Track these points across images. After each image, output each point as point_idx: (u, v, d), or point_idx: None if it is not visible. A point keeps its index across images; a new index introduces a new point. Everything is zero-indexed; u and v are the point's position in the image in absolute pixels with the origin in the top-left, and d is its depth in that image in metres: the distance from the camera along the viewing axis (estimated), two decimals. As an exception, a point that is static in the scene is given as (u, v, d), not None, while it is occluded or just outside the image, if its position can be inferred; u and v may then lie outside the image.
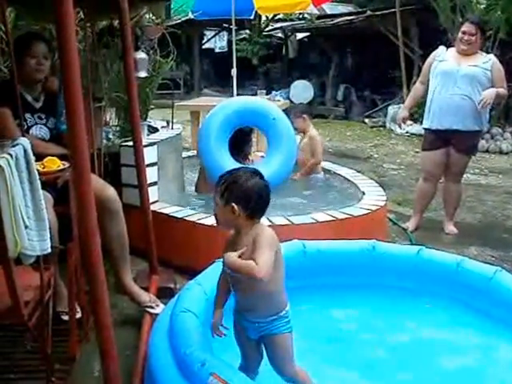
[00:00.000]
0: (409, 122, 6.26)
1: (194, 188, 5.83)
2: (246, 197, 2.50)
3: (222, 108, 5.50)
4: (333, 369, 3.01)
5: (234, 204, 2.49)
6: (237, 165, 5.37)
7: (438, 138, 5.64)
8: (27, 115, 3.58)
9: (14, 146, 2.32)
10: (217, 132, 5.28)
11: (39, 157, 2.84)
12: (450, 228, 5.82)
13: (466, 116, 5.47)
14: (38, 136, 3.67)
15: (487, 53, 5.92)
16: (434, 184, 5.87)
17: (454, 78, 5.46)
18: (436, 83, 5.62)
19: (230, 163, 5.34)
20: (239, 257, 2.46)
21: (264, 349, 2.74)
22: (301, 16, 16.56)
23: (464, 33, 5.46)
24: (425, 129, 5.86)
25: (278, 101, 10.01)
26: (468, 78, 5.41)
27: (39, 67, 3.64)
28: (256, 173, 2.59)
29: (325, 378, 2.87)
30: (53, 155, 3.35)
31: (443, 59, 5.59)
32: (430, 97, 5.70)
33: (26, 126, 3.50)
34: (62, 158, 3.37)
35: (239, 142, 5.50)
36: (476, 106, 5.42)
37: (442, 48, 5.74)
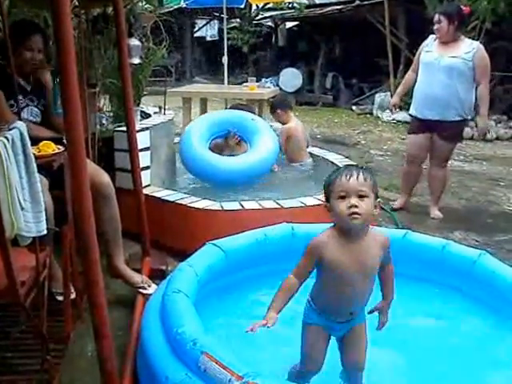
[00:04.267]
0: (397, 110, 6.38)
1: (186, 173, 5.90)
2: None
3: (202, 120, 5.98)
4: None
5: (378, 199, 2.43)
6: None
7: (423, 125, 5.76)
8: (19, 97, 3.57)
9: (10, 130, 2.33)
10: (199, 139, 5.57)
11: (33, 140, 2.89)
12: (435, 213, 5.91)
13: (446, 107, 5.56)
14: (30, 118, 3.70)
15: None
16: (418, 165, 5.99)
17: (435, 69, 5.56)
18: (420, 73, 5.75)
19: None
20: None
21: (345, 346, 2.68)
22: (290, 5, 16.55)
23: (434, 24, 5.63)
24: (410, 115, 6.00)
25: (269, 88, 10.03)
26: (447, 70, 5.49)
27: (33, 60, 3.69)
28: None
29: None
30: (45, 138, 3.37)
31: (429, 49, 5.69)
32: (416, 86, 5.83)
33: (17, 108, 3.52)
34: (54, 141, 3.40)
35: None
36: (457, 97, 5.51)
37: (431, 37, 5.79)
